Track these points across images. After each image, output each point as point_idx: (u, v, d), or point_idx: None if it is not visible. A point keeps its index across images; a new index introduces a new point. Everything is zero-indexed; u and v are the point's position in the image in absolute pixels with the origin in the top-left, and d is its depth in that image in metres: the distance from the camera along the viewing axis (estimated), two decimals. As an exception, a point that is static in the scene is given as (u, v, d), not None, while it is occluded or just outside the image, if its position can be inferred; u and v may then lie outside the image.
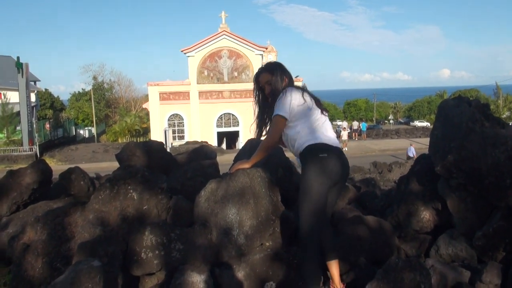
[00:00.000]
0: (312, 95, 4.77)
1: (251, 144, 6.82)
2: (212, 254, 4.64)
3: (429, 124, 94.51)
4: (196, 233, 4.67)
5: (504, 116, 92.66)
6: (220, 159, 8.32)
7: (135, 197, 4.98)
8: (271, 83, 4.67)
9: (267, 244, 4.85)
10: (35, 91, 56.76)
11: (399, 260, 4.17)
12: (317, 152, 4.31)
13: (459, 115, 5.58)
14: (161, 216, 5.11)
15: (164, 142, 25.68)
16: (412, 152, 34.07)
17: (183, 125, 52.40)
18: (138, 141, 60.11)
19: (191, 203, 5.18)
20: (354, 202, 7.68)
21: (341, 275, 5.22)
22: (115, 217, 4.94)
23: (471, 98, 6.26)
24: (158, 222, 4.72)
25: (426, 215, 5.95)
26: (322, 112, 4.69)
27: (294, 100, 4.52)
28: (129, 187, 5.02)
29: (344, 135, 38.89)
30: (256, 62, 53.15)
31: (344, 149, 37.40)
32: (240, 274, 4.57)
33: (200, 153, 7.72)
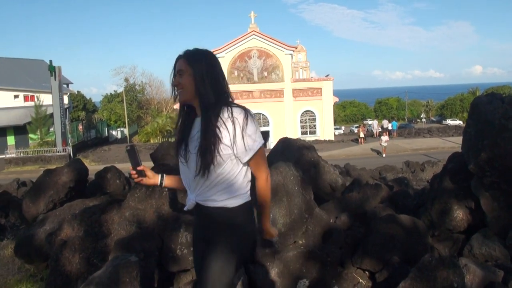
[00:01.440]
0: None
1: (284, 144, 6.88)
2: (246, 251, 4.73)
3: (461, 122, 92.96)
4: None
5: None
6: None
7: (170, 195, 5.08)
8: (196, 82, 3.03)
9: (300, 242, 4.89)
10: (68, 94, 57.80)
11: (433, 258, 4.16)
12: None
13: (492, 112, 5.52)
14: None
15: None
16: None
17: (214, 125, 52.64)
18: (170, 141, 60.59)
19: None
20: (387, 201, 7.65)
21: (374, 273, 5.23)
22: (150, 215, 5.04)
23: (504, 95, 6.19)
24: (192, 220, 4.82)
25: (459, 214, 5.90)
26: None
27: None
28: (164, 185, 5.14)
29: (384, 139, 37.63)
30: (286, 61, 53.21)
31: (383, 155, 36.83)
32: (274, 271, 4.62)
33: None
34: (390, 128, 55.04)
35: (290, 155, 6.34)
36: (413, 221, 5.89)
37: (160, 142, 58.26)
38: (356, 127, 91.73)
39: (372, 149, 40.78)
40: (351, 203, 6.51)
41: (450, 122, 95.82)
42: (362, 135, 48.20)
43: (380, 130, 55.59)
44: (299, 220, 4.78)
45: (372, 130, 59.87)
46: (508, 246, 5.25)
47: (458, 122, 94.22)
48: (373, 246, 5.40)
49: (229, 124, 2.90)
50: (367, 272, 5.33)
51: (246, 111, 3.05)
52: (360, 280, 5.14)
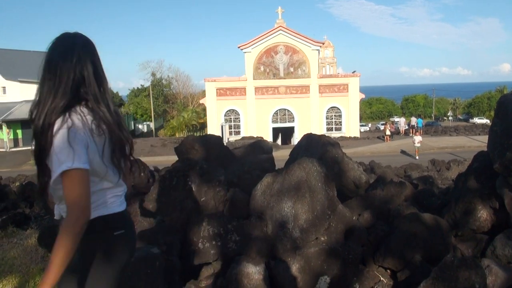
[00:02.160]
0: None
1: (308, 140, 6.88)
2: (267, 246, 4.73)
3: (488, 121, 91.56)
4: (252, 226, 4.78)
5: None
6: (275, 154, 8.40)
7: (194, 189, 5.12)
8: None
9: (322, 238, 4.90)
10: (97, 87, 58.25)
11: (455, 258, 4.14)
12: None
13: (520, 110, 5.45)
14: (218, 208, 5.23)
15: (221, 137, 25.95)
16: None
17: (239, 120, 52.83)
18: (195, 135, 60.90)
19: (248, 196, 5.28)
20: (411, 200, 7.60)
21: (396, 272, 5.22)
22: (173, 208, 5.10)
23: None
24: (216, 214, 4.85)
25: (483, 214, 5.84)
26: None
27: None
28: (188, 179, 5.17)
29: (417, 140, 35.79)
30: (313, 57, 52.96)
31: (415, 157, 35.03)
32: (295, 267, 4.64)
33: (257, 148, 7.83)
34: (415, 125, 54.32)
35: (314, 151, 6.34)
36: (436, 220, 5.85)
37: (184, 136, 58.78)
38: (382, 124, 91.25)
39: (402, 151, 40.24)
40: (375, 201, 6.47)
41: (477, 120, 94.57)
42: (388, 132, 47.74)
43: (406, 127, 54.98)
44: (321, 217, 4.79)
45: (399, 127, 59.36)
46: (533, 248, 5.18)
47: (485, 120, 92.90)
48: (395, 244, 5.38)
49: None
50: (388, 271, 5.31)
51: (64, 121, 2.42)
52: (382, 279, 5.12)
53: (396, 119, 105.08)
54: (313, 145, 6.50)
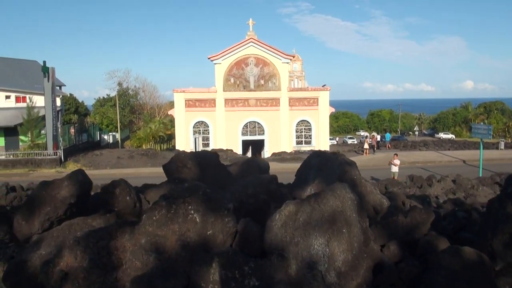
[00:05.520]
0: None
1: (320, 158, 5.95)
2: (294, 294, 3.76)
3: (453, 136, 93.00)
4: (273, 266, 3.80)
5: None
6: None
7: (198, 220, 4.11)
8: None
9: (357, 281, 3.96)
10: (60, 96, 56.56)
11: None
12: None
13: None
14: (226, 243, 4.24)
15: (194, 150, 24.93)
16: None
17: (208, 132, 51.69)
18: (162, 147, 59.65)
19: (261, 227, 4.32)
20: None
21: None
22: (173, 243, 4.08)
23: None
24: (227, 251, 3.85)
25: (532, 247, 5.01)
26: None
27: None
28: (190, 207, 4.16)
29: (394, 168, 32.63)
30: (283, 70, 52.38)
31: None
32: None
33: (253, 165, 6.87)
34: (379, 140, 54.28)
35: (330, 171, 5.41)
36: (479, 256, 4.98)
37: (151, 147, 57.21)
38: (349, 137, 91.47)
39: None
40: (398, 230, 5.58)
41: (442, 135, 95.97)
42: (366, 146, 47.57)
43: (377, 141, 54.77)
44: (359, 256, 3.85)
45: (363, 142, 59.44)
46: None
47: (450, 135, 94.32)
48: (436, 285, 4.48)
49: None
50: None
51: None
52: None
53: (362, 133, 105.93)
54: (328, 165, 5.57)
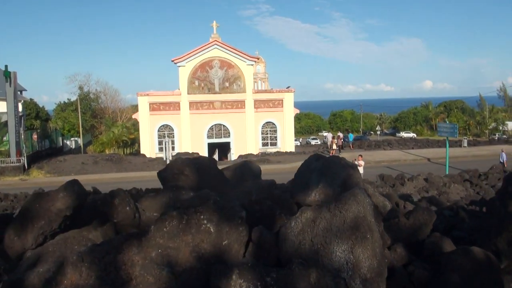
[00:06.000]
0: None
1: (321, 161, 5.82)
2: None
3: (415, 135, 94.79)
4: (295, 276, 3.65)
5: (490, 127, 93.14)
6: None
7: (212, 230, 3.92)
8: None
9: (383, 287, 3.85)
10: (22, 101, 55.10)
11: None
12: None
13: None
14: (240, 253, 4.07)
15: (164, 154, 24.60)
16: (503, 158, 32.25)
17: (173, 135, 51.15)
18: (126, 152, 58.76)
19: (274, 235, 4.16)
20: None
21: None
22: (186, 255, 3.88)
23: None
24: (247, 262, 3.68)
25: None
26: None
27: None
28: (202, 216, 3.97)
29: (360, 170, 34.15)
30: (248, 72, 52.37)
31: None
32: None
33: (246, 170, 6.70)
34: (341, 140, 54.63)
35: (334, 175, 5.29)
36: (486, 255, 4.96)
37: (115, 152, 56.24)
38: (312, 138, 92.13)
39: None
40: (402, 232, 5.51)
41: (404, 134, 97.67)
42: (335, 147, 47.65)
43: (340, 142, 55.15)
44: (382, 262, 3.74)
45: (327, 142, 59.96)
46: None
47: (411, 134, 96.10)
48: (451, 286, 4.41)
49: None
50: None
51: None
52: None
53: (324, 134, 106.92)
54: (331, 168, 5.44)
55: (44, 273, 4.49)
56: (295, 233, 3.94)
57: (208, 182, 5.66)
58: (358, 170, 5.63)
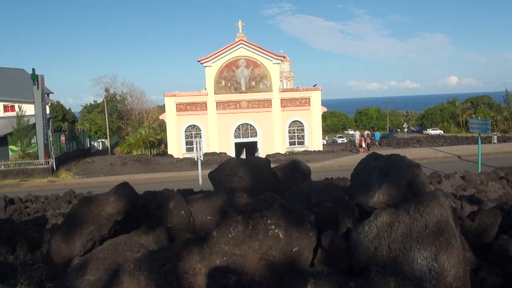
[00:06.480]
0: None
1: (381, 160, 5.52)
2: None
3: (442, 132, 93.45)
4: (374, 285, 3.37)
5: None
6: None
7: (281, 236, 3.67)
8: None
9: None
10: (49, 103, 55.69)
11: None
12: None
13: None
14: (309, 259, 3.81)
15: (196, 154, 24.46)
16: None
17: (201, 136, 51.07)
18: (153, 152, 58.92)
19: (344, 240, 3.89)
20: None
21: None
22: (254, 263, 3.63)
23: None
24: (322, 271, 3.41)
25: None
26: None
27: None
28: (269, 221, 3.72)
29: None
30: (274, 71, 52.06)
31: None
32: None
33: (297, 170, 6.42)
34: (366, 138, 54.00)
35: (398, 175, 4.98)
36: None
37: (142, 153, 56.44)
38: (339, 137, 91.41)
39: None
40: (467, 235, 5.19)
41: (431, 131, 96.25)
42: (363, 145, 47.06)
43: (369, 139, 54.50)
44: (466, 269, 3.44)
45: (355, 140, 59.32)
46: None
47: (439, 131, 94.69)
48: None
49: None
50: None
51: None
52: None
53: (350, 132, 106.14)
54: (395, 167, 5.13)
55: (95, 282, 4.28)
56: (369, 239, 3.65)
57: (261, 184, 5.40)
58: (420, 168, 5.31)
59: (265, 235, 3.70)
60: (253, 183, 5.30)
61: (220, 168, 5.50)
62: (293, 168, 6.42)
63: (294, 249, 3.68)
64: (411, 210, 3.55)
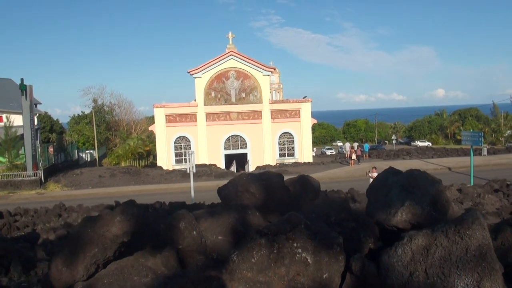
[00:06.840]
0: None
1: (398, 175, 5.26)
2: None
3: (430, 144, 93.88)
4: (412, 316, 3.12)
5: (506, 134, 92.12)
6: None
7: (309, 260, 3.39)
8: None
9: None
10: (37, 114, 55.04)
11: None
12: None
13: None
14: (338, 286, 3.53)
15: (189, 167, 24.12)
16: None
17: (190, 147, 50.69)
18: (141, 164, 58.38)
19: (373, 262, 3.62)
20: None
21: None
22: (280, 291, 3.35)
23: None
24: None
25: None
26: None
27: None
28: (295, 244, 3.44)
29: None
30: (264, 83, 51.95)
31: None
32: None
33: (307, 185, 6.15)
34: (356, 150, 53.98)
35: (422, 192, 4.72)
36: None
37: (130, 164, 55.84)
38: (328, 148, 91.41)
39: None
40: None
41: (419, 143, 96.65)
42: (354, 156, 46.88)
43: (359, 151, 54.46)
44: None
45: (344, 152, 59.46)
46: None
47: (427, 143, 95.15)
48: None
49: None
50: None
51: None
52: None
53: (339, 143, 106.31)
54: (418, 183, 4.87)
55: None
56: (403, 263, 3.39)
57: (275, 201, 5.12)
58: (442, 184, 5.07)
59: (291, 260, 3.41)
60: (266, 200, 5.02)
61: (230, 184, 5.21)
62: (302, 184, 6.13)
63: (324, 276, 3.40)
64: (450, 232, 3.30)
